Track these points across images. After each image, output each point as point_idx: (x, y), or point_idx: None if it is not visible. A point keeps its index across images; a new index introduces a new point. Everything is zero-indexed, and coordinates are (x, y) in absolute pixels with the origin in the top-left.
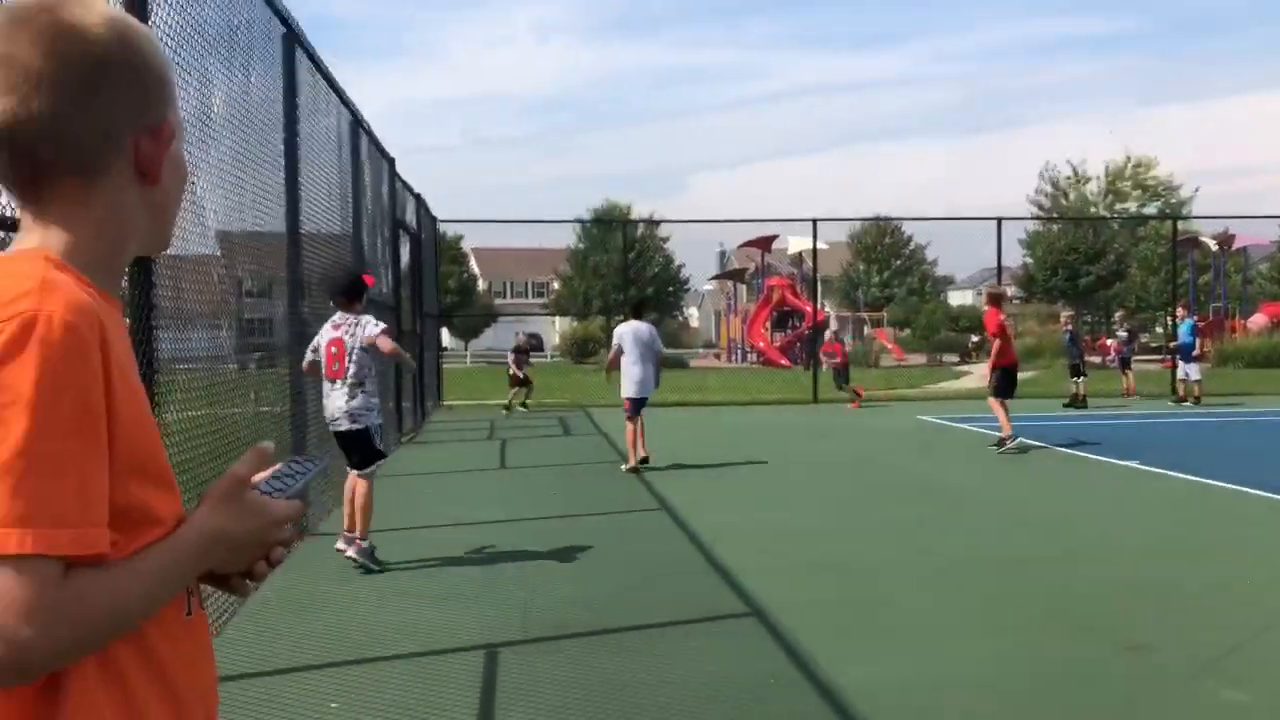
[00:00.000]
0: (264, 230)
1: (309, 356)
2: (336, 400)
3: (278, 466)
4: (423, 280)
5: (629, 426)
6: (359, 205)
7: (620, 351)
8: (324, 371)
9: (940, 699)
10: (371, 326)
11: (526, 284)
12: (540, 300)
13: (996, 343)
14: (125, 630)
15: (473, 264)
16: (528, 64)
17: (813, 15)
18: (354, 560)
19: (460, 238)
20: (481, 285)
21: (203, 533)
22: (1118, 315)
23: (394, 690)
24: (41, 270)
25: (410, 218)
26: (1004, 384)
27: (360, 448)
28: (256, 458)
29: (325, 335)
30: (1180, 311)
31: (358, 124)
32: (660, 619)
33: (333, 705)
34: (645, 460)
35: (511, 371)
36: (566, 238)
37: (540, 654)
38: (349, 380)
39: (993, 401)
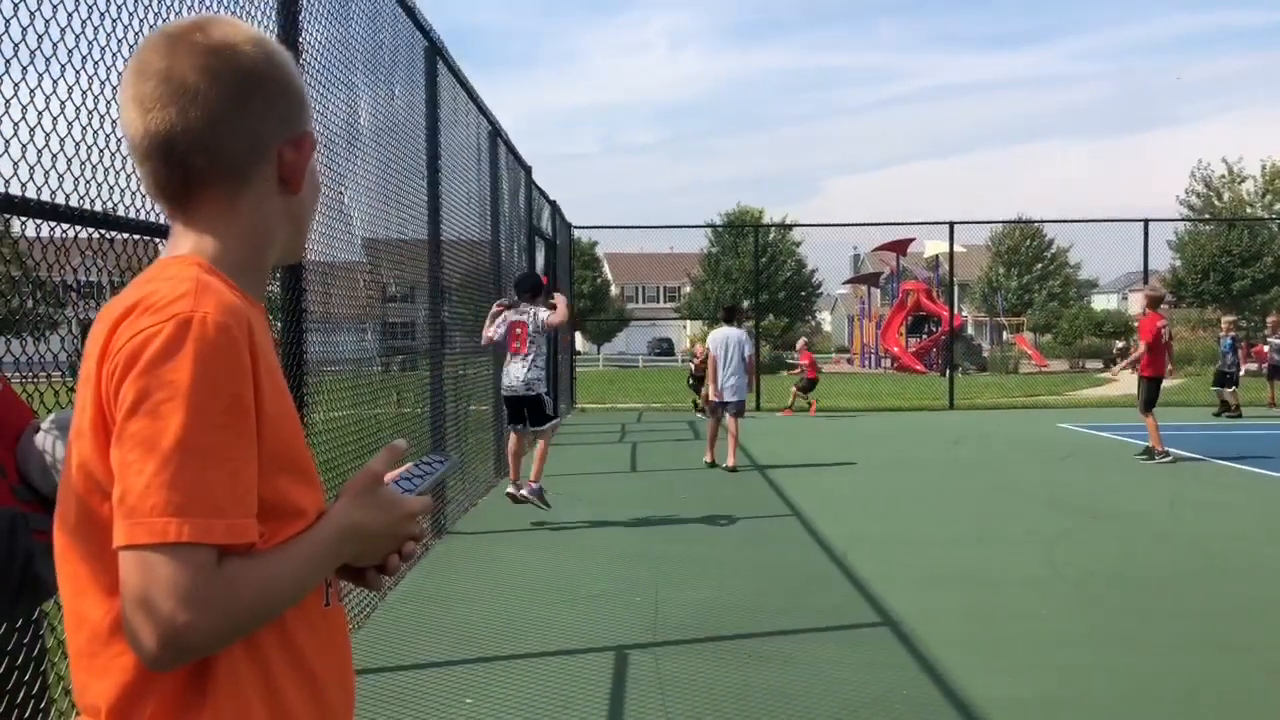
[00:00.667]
0: (407, 237)
1: (490, 333)
2: (516, 371)
3: (410, 465)
4: (557, 285)
5: (710, 422)
6: (497, 213)
7: (715, 358)
8: (508, 349)
9: (1078, 717)
10: (544, 313)
11: (659, 288)
12: (672, 304)
13: (1143, 350)
14: (272, 617)
15: (606, 269)
16: (663, 71)
17: (951, 15)
18: (527, 499)
19: (594, 243)
20: (614, 290)
21: (340, 525)
22: (1270, 321)
23: (526, 687)
24: (194, 274)
25: (546, 225)
26: (1152, 395)
27: (535, 409)
28: (391, 455)
29: (510, 318)
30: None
31: (496, 134)
32: (792, 626)
33: (467, 701)
34: (714, 465)
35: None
36: (699, 242)
37: (671, 658)
38: (527, 355)
39: (1145, 417)
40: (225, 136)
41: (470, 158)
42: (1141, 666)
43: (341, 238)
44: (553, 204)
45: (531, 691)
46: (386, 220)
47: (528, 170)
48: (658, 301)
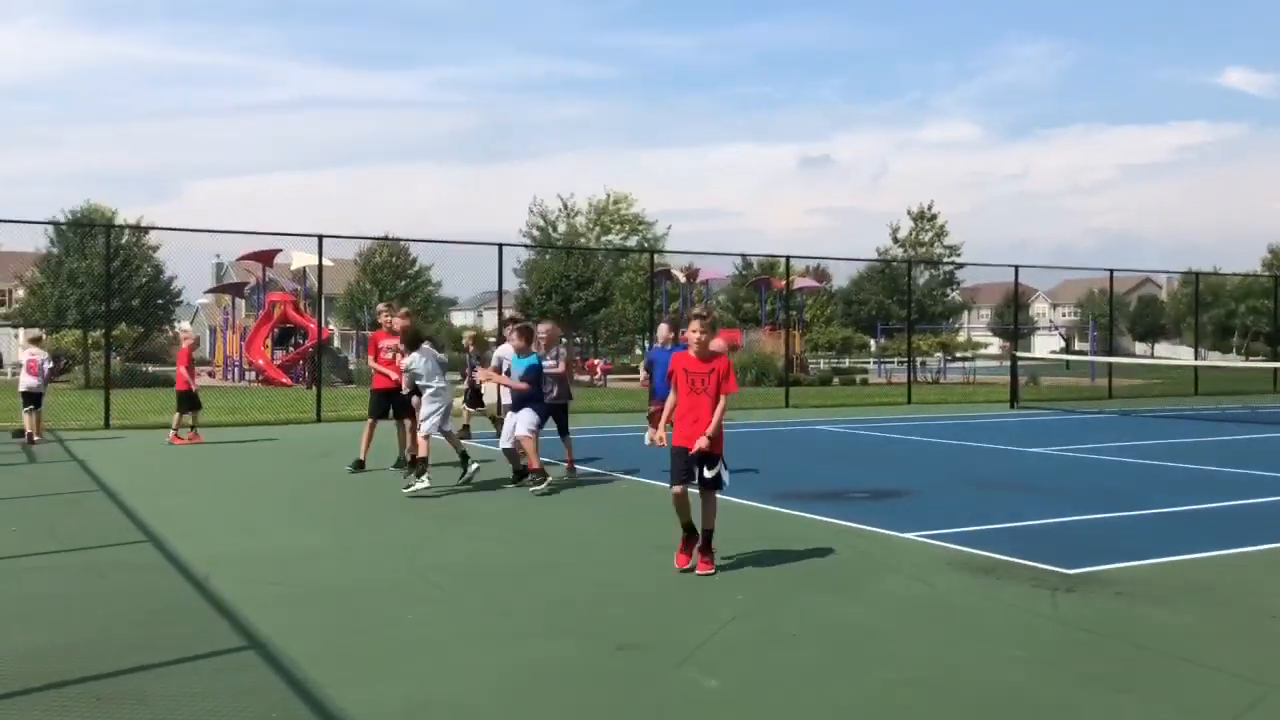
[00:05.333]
0: None
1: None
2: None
3: None
4: None
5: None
6: None
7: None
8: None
9: (444, 715)
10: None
11: None
12: (1, 310)
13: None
14: None
15: None
16: None
17: (318, 28)
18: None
19: None
20: None
21: None
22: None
23: None
24: None
25: None
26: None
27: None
28: None
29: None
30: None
31: None
32: (147, 661)
33: None
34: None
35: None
36: (37, 241)
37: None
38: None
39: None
40: None
41: None
42: (506, 659)
43: None
44: None
45: None
46: None
47: None
48: None
